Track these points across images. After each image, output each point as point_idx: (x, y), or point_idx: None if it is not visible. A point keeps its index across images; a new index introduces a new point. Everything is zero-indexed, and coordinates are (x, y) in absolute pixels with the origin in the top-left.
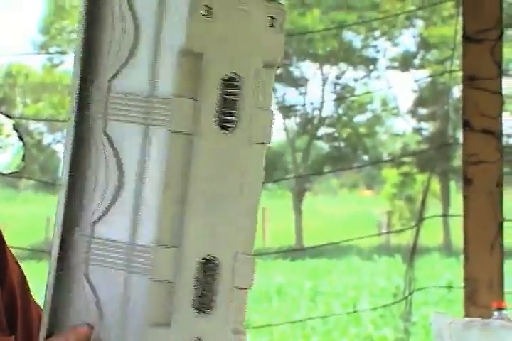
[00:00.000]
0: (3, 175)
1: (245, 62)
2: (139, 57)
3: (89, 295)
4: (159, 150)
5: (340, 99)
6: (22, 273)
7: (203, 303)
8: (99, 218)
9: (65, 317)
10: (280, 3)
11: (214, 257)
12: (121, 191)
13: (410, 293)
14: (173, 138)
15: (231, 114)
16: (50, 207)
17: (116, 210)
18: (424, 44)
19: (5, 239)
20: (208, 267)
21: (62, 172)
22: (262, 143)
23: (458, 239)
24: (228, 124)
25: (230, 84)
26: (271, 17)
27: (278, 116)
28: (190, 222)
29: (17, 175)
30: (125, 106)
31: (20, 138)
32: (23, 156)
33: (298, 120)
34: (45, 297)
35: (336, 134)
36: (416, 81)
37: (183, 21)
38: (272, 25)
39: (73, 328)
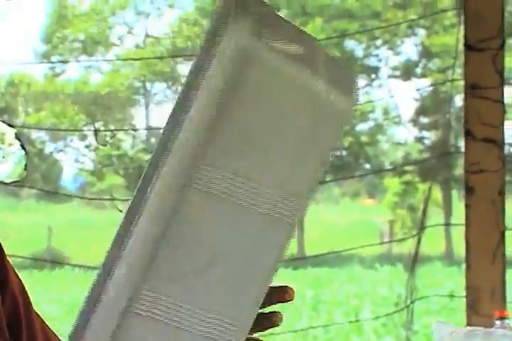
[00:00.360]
0: (5, 184)
1: None
2: (273, 149)
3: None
4: (272, 239)
5: None
6: (21, 283)
7: None
8: (173, 278)
9: None
10: None
11: None
12: (213, 266)
13: (412, 302)
14: (288, 228)
15: None
16: (52, 216)
17: (199, 280)
18: (426, 53)
19: (4, 248)
20: None
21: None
22: None
23: (460, 248)
24: None
25: None
26: None
27: None
28: None
29: (19, 184)
30: (241, 189)
31: (23, 147)
32: (25, 165)
33: None
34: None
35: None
36: (417, 90)
37: (340, 126)
38: None
39: None
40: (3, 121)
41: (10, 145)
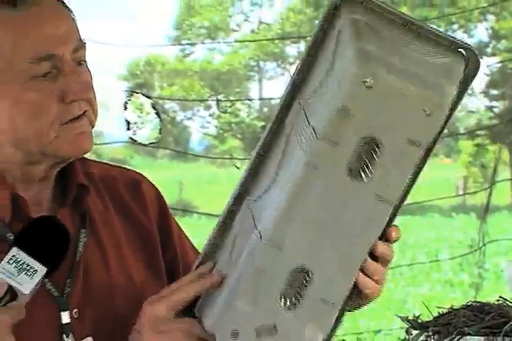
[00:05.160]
0: (144, 145)
1: (388, 133)
2: (323, 88)
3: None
4: (296, 167)
5: None
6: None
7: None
8: (258, 200)
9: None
10: (443, 97)
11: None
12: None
13: (484, 244)
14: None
15: (364, 169)
16: (183, 173)
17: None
18: (496, 35)
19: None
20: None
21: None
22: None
23: None
24: (359, 175)
25: (371, 146)
26: (426, 109)
27: None
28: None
29: (155, 145)
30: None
31: (158, 115)
32: (160, 130)
33: None
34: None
35: None
36: (488, 66)
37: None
38: (428, 115)
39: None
40: (143, 94)
41: (147, 113)
